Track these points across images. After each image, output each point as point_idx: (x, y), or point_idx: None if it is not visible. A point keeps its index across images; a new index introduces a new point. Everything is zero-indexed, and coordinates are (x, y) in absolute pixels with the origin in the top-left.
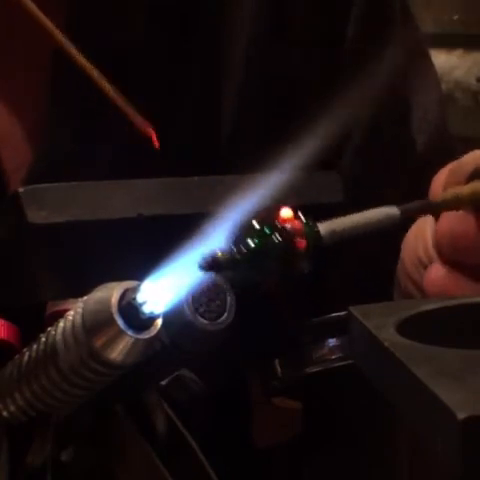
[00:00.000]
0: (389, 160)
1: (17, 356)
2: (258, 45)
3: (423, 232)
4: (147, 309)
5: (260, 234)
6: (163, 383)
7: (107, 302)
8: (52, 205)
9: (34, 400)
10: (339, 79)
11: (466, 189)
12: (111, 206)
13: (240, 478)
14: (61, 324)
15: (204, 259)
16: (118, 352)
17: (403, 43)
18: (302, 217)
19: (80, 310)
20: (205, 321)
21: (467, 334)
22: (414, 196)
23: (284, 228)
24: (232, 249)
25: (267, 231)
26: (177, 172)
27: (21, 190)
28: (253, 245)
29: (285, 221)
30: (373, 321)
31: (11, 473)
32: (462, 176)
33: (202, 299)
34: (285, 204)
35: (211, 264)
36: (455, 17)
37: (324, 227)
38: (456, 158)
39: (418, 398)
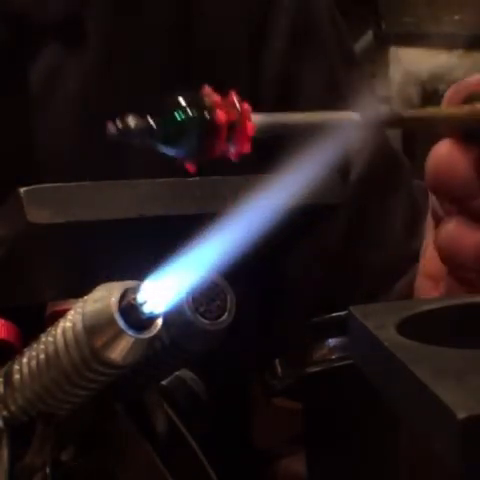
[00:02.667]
0: None
1: (17, 356)
2: None
3: None
4: (147, 309)
5: (179, 107)
6: (163, 383)
7: (107, 302)
8: (53, 205)
9: (34, 400)
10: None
11: (443, 110)
12: (112, 206)
13: (240, 478)
14: (61, 324)
15: (115, 123)
16: (118, 352)
17: (332, 57)
18: (236, 102)
19: (80, 310)
20: (205, 321)
21: (467, 334)
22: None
23: (204, 102)
24: (148, 119)
25: (186, 104)
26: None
27: (22, 190)
28: (170, 117)
29: (207, 97)
30: (373, 321)
31: (11, 473)
32: (458, 98)
33: (202, 299)
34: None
35: (122, 130)
36: (456, 17)
37: (262, 116)
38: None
39: (418, 398)
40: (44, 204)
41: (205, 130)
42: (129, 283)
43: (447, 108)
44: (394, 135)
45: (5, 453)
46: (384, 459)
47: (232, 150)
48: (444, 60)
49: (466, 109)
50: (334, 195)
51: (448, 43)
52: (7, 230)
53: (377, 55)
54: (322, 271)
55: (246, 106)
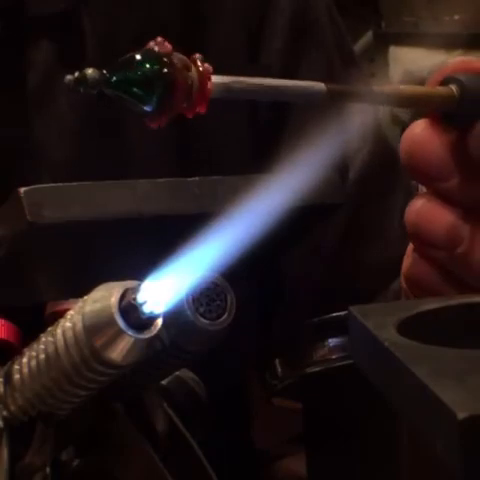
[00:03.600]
0: None
1: (17, 356)
2: None
3: None
4: (147, 309)
5: (137, 60)
6: (164, 383)
7: (107, 302)
8: (53, 205)
9: (34, 400)
10: None
11: (409, 89)
12: (112, 206)
13: (240, 478)
14: (61, 324)
15: (73, 74)
16: (118, 352)
17: (331, 56)
18: (195, 57)
19: (80, 310)
20: (205, 321)
21: (467, 334)
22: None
23: (162, 57)
24: (103, 70)
25: (142, 59)
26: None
27: (22, 190)
28: (127, 69)
29: (166, 53)
30: (373, 321)
31: (11, 472)
32: (436, 80)
33: (202, 299)
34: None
35: (78, 79)
36: (456, 17)
37: (222, 77)
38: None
39: (418, 398)
40: (44, 204)
41: (162, 85)
42: (129, 283)
43: (424, 87)
44: (393, 135)
45: (5, 453)
46: (384, 459)
47: (188, 108)
48: (443, 59)
49: (440, 90)
50: (333, 195)
51: (447, 43)
52: (7, 230)
53: (377, 54)
54: (320, 270)
55: (206, 66)
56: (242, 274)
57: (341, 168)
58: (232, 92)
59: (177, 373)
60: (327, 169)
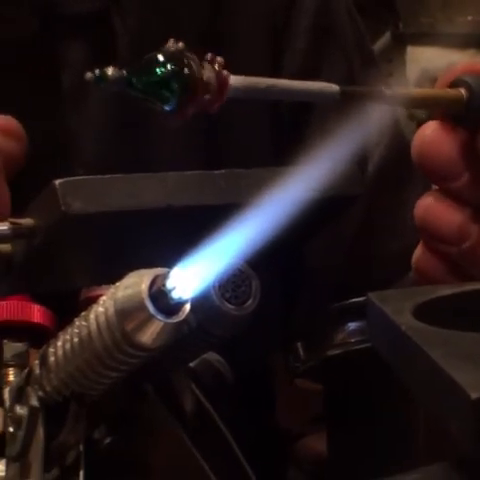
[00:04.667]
0: None
1: (52, 339)
2: None
3: None
4: (176, 295)
5: (158, 61)
6: (191, 365)
7: (138, 288)
8: (86, 196)
9: (68, 381)
10: None
11: (419, 91)
12: (142, 197)
13: (264, 456)
14: (94, 309)
15: (94, 71)
16: (148, 335)
17: (351, 57)
18: (213, 58)
19: (112, 296)
20: (231, 306)
21: None
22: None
23: (182, 58)
24: (124, 70)
25: (162, 61)
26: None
27: (57, 182)
28: (148, 69)
29: (187, 54)
30: (390, 306)
31: (46, 450)
32: (445, 82)
33: (228, 285)
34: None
35: (99, 76)
36: (469, 18)
37: (239, 78)
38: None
39: (433, 379)
40: (77, 195)
41: (181, 85)
42: (159, 270)
43: (433, 90)
44: (409, 130)
45: (41, 431)
46: (401, 437)
47: (206, 107)
48: (457, 58)
49: (449, 92)
50: (353, 187)
51: (461, 42)
52: (43, 220)
53: (395, 54)
54: (339, 260)
55: (223, 64)
56: (266, 262)
57: (360, 161)
58: (248, 93)
59: (204, 356)
60: (347, 162)
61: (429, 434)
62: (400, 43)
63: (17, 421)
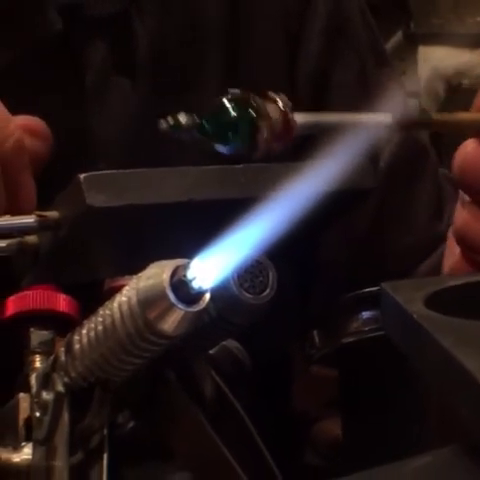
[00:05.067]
0: None
1: (77, 328)
2: None
3: None
4: (196, 284)
5: (227, 106)
6: (211, 352)
7: (160, 278)
8: (110, 190)
9: (93, 367)
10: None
11: (462, 116)
12: (164, 191)
13: (281, 439)
14: (117, 298)
15: (166, 119)
16: (169, 324)
17: (364, 57)
18: (277, 98)
19: (135, 285)
20: (249, 295)
21: None
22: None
23: (249, 102)
24: (195, 116)
25: (231, 105)
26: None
27: (82, 176)
28: (218, 115)
29: (252, 98)
30: (403, 296)
31: (71, 434)
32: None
33: (247, 275)
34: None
35: (173, 126)
36: (479, 19)
37: (302, 116)
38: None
39: (444, 366)
40: (102, 189)
41: (250, 128)
42: (180, 261)
43: (474, 113)
44: None
45: (66, 416)
46: (413, 421)
47: (274, 147)
48: (467, 58)
49: None
50: (366, 181)
51: (471, 42)
52: (68, 213)
53: (407, 54)
54: (352, 252)
55: (288, 104)
56: (282, 253)
57: (373, 156)
58: (311, 128)
59: (223, 343)
60: (361, 157)
61: (440, 419)
62: (412, 43)
63: (43, 406)
